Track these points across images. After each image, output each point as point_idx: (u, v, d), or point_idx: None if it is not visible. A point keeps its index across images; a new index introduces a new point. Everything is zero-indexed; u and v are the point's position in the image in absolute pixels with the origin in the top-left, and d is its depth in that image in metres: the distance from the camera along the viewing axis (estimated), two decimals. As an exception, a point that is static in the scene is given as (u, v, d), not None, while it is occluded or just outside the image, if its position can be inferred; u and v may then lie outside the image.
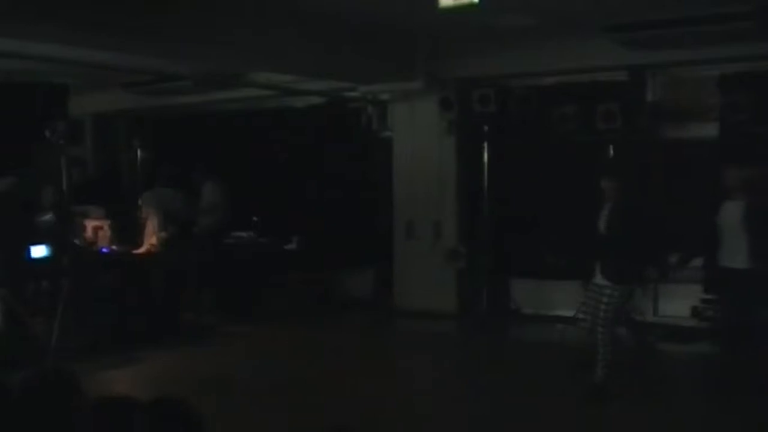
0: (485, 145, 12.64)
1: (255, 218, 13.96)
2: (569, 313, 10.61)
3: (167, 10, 8.85)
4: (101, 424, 3.98)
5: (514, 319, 12.67)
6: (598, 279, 8.40)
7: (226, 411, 7.54)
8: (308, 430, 7.05)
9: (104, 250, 11.43)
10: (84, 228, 11.45)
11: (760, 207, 8.44)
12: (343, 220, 14.09)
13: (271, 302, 13.25)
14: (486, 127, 12.58)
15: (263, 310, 12.98)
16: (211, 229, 13.11)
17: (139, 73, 13.09)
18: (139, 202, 12.48)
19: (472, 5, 8.14)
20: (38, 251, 10.36)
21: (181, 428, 3.89)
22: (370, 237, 14.08)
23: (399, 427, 7.97)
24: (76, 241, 11.04)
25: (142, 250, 11.68)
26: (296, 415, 7.94)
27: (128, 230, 12.02)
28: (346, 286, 14.30)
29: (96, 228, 11.54)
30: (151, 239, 11.79)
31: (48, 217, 10.65)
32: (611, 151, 11.69)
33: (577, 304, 9.36)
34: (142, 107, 15.66)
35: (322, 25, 10.48)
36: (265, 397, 8.71)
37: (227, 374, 9.74)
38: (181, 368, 9.93)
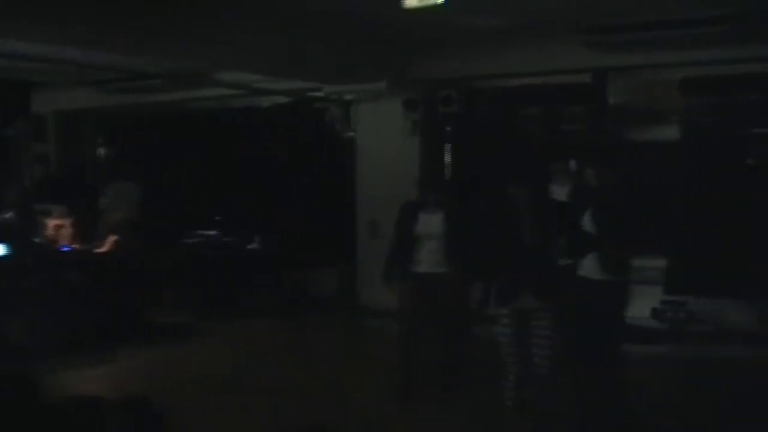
0: (449, 145, 12.69)
1: (218, 217, 13.94)
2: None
3: (133, 7, 8.81)
4: (68, 425, 3.96)
5: (476, 317, 12.67)
6: (526, 301, 7.22)
7: (193, 410, 7.50)
8: (280, 429, 7.08)
9: (66, 248, 11.35)
10: (46, 226, 11.38)
11: (608, 208, 7.33)
12: (307, 219, 14.09)
13: (234, 301, 13.22)
14: (450, 128, 12.63)
15: (226, 309, 12.95)
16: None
17: (106, 71, 13.00)
18: (101, 200, 12.42)
19: (437, 5, 8.15)
20: (-2, 250, 10.30)
21: (148, 427, 3.89)
22: (333, 236, 14.08)
23: (365, 425, 7.99)
24: (38, 240, 10.96)
25: (104, 248, 11.62)
26: (265, 414, 7.95)
27: (91, 228, 11.96)
28: (310, 285, 14.28)
29: (58, 226, 11.46)
30: (112, 237, 11.74)
31: (9, 215, 10.56)
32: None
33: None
34: (108, 105, 15.54)
35: (288, 25, 10.47)
36: (232, 395, 8.67)
37: (194, 373, 9.70)
38: (149, 368, 9.88)
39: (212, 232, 13.79)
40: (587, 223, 7.30)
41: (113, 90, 14.62)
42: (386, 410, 8.29)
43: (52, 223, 11.45)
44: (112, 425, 3.87)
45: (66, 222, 11.53)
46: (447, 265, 8.41)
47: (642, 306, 11.27)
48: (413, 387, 8.58)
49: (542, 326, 7.14)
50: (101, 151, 15.38)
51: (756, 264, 11.10)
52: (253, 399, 8.55)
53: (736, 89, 10.94)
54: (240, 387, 9.04)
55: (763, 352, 10.29)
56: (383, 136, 13.14)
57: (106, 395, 4.15)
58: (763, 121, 10.89)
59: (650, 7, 10.03)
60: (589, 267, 7.26)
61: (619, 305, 7.30)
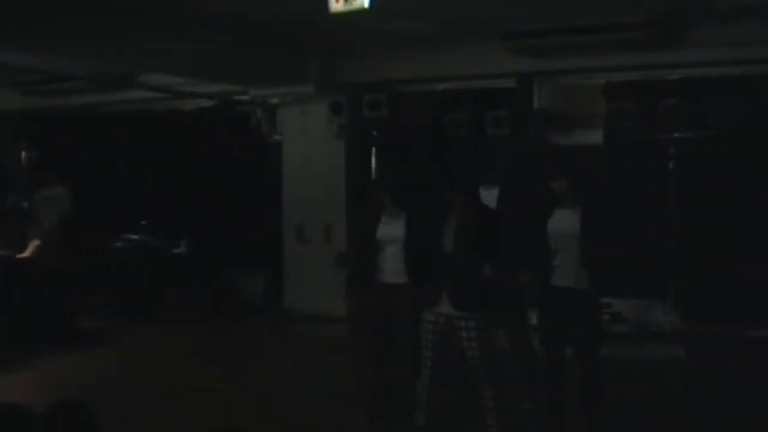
0: (374, 149, 12.74)
1: (143, 221, 13.82)
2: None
3: (56, 8, 8.70)
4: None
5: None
6: (446, 307, 6.95)
7: (117, 415, 7.44)
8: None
9: (-13, 253, 11.18)
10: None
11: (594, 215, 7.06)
12: (233, 223, 14.02)
13: (160, 306, 13.11)
14: (375, 132, 12.67)
15: (152, 313, 12.86)
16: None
17: (29, 73, 12.80)
18: (24, 204, 12.24)
19: (363, 10, 8.16)
20: None
21: None
22: (260, 240, 14.02)
23: (286, 428, 8.00)
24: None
25: (27, 253, 11.45)
26: (187, 417, 7.91)
27: (13, 233, 11.77)
28: (236, 289, 14.21)
29: (-22, 231, 11.28)
30: (35, 242, 11.57)
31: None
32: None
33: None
34: (30, 107, 15.31)
35: (213, 27, 10.41)
36: (155, 400, 8.65)
37: (117, 378, 9.64)
38: (71, 373, 9.79)
39: (138, 237, 13.66)
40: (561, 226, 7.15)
41: (34, 92, 14.42)
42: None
43: (-27, 228, 11.27)
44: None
45: (-13, 227, 11.36)
46: (407, 274, 7.75)
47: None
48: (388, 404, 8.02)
49: (469, 337, 6.84)
50: (24, 154, 15.14)
51: (678, 265, 11.33)
52: (177, 403, 8.53)
53: (658, 94, 11.11)
54: (164, 392, 8.98)
55: (686, 352, 10.50)
56: (309, 140, 13.14)
57: (34, 402, 4.09)
58: (684, 125, 11.07)
59: (572, 13, 10.15)
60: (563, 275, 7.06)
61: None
